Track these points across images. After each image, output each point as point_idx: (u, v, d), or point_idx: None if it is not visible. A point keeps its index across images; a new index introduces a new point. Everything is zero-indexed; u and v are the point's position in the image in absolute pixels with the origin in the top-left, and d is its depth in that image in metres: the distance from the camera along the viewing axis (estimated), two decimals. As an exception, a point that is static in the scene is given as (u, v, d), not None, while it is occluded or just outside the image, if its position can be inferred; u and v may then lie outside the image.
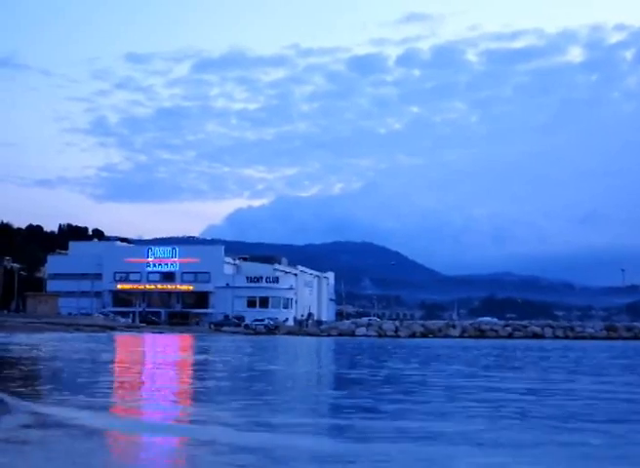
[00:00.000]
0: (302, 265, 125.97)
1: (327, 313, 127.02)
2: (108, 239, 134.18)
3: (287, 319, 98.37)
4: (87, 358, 21.82)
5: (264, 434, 7.27)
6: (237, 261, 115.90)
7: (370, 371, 14.48)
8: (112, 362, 19.94)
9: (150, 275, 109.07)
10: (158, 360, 22.08)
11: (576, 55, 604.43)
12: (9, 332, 44.88)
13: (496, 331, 76.26)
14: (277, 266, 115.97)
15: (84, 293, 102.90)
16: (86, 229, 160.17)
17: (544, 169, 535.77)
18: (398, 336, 70.62)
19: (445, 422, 8.50)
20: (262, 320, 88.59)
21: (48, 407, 8.81)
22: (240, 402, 10.10)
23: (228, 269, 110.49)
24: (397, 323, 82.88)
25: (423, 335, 72.42)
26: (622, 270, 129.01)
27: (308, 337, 65.98)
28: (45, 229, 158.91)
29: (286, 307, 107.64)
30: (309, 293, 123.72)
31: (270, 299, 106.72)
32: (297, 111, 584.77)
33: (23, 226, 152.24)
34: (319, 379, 13.00)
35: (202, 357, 23.86)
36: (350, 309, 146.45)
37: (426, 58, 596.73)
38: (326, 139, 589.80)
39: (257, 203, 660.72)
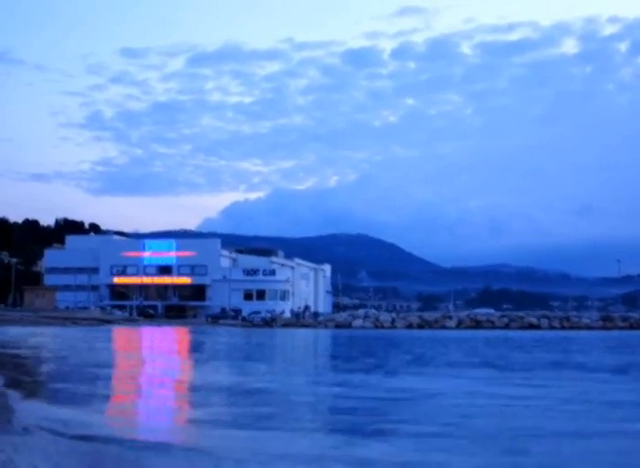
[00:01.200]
0: (299, 258, 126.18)
1: (323, 305, 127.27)
2: (105, 233, 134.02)
3: (284, 311, 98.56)
4: (69, 357, 21.52)
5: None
6: (234, 254, 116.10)
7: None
8: (95, 364, 19.22)
9: (147, 268, 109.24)
10: (149, 362, 21.36)
11: (570, 47, 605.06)
12: (4, 326, 44.91)
13: (492, 321, 76.42)
14: (274, 259, 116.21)
15: (81, 287, 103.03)
16: (82, 223, 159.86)
17: (540, 161, 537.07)
18: (395, 328, 70.83)
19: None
20: (259, 312, 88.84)
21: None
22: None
23: (225, 262, 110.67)
24: (394, 314, 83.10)
25: (420, 327, 72.65)
26: (618, 261, 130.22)
27: (305, 329, 66.16)
28: (41, 223, 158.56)
29: (283, 299, 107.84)
30: (306, 286, 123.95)
31: (267, 292, 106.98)
32: (292, 104, 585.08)
33: (20, 221, 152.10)
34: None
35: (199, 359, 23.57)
36: (347, 301, 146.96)
37: (421, 51, 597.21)
38: (321, 132, 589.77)
39: (253, 196, 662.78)
